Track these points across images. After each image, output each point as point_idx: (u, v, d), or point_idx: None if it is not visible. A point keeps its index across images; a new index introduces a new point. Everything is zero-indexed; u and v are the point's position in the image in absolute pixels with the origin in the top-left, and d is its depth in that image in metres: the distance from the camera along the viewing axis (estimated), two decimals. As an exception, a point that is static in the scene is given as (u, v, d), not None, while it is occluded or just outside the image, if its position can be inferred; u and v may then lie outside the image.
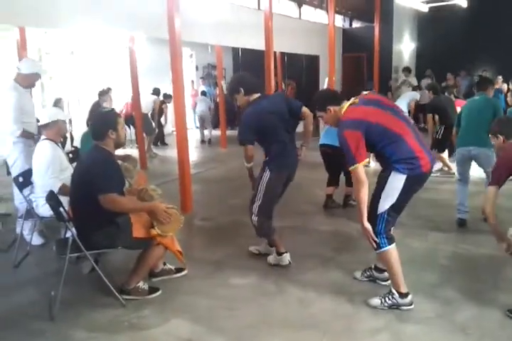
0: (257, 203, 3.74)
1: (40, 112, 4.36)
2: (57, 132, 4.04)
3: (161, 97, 10.09)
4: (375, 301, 3.13)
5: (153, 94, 9.74)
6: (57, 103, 8.85)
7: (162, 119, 10.73)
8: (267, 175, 3.70)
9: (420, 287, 3.39)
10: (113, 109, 3.63)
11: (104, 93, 7.99)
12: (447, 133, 6.51)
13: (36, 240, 4.30)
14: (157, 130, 10.19)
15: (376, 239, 3.00)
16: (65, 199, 3.40)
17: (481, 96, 4.86)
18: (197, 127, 12.29)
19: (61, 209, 3.16)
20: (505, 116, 4.11)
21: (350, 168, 2.91)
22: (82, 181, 3.16)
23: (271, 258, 3.90)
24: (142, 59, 9.20)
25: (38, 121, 4.23)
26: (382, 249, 3.03)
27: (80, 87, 10.62)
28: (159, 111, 10.00)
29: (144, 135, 9.19)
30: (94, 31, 7.01)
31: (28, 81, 4.49)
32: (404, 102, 8.25)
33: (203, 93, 11.70)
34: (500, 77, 9.97)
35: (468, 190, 4.79)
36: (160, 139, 10.90)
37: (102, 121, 3.32)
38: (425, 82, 11.90)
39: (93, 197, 3.02)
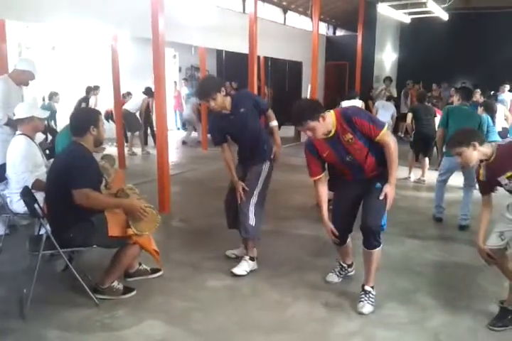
0: (254, 199, 3.69)
1: (17, 107, 4.29)
2: (32, 128, 3.99)
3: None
4: (368, 307, 3.12)
5: (144, 93, 9.65)
6: (52, 97, 8.74)
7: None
8: (267, 165, 3.77)
9: (395, 293, 3.42)
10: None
11: (91, 90, 7.90)
12: (417, 140, 7.13)
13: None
14: (143, 128, 10.06)
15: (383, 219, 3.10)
16: (40, 196, 3.34)
17: (467, 106, 5.19)
18: (178, 128, 12.20)
19: (36, 205, 3.10)
20: (462, 128, 3.47)
21: (381, 133, 2.95)
22: (58, 176, 3.10)
23: (243, 267, 3.72)
24: (126, 57, 9.12)
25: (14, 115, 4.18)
26: (381, 245, 3.17)
27: (61, 82, 10.46)
28: (146, 110, 9.90)
29: (129, 133, 9.12)
30: (78, 27, 6.92)
31: (21, 78, 4.64)
32: (388, 114, 8.84)
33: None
34: (478, 90, 10.15)
35: (445, 191, 5.17)
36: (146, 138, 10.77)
37: (83, 117, 3.29)
38: (404, 91, 12.26)
39: (69, 193, 2.97)
